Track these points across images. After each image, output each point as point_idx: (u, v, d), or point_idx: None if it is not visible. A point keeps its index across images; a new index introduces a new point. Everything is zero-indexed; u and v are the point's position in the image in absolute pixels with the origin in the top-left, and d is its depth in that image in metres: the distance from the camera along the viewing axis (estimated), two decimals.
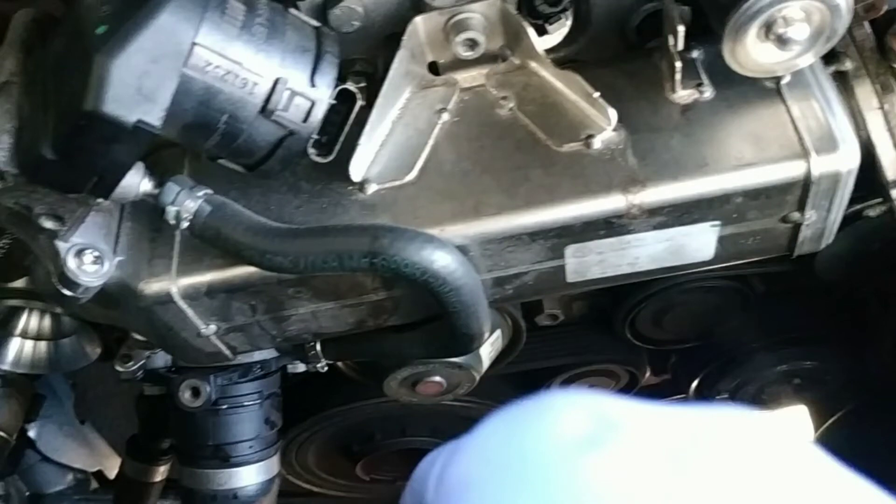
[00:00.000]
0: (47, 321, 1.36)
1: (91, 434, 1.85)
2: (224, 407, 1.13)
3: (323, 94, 0.79)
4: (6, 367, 1.34)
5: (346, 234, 0.79)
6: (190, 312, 0.88)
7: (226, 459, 1.14)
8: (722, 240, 0.86)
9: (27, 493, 1.76)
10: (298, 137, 0.80)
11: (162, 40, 0.71)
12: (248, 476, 1.16)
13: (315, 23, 0.83)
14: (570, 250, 0.85)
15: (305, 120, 0.79)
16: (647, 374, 1.47)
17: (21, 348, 1.36)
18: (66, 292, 0.83)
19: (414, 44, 0.91)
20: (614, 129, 0.84)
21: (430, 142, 0.89)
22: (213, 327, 0.91)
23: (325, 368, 1.08)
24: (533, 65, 0.92)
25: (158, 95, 0.71)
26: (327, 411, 1.47)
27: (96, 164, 0.74)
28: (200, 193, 0.82)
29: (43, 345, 1.36)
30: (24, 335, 1.36)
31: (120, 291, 0.87)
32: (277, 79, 0.76)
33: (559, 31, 0.95)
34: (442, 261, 0.79)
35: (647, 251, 0.86)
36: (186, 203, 0.81)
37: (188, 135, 0.77)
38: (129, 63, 0.69)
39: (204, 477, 1.15)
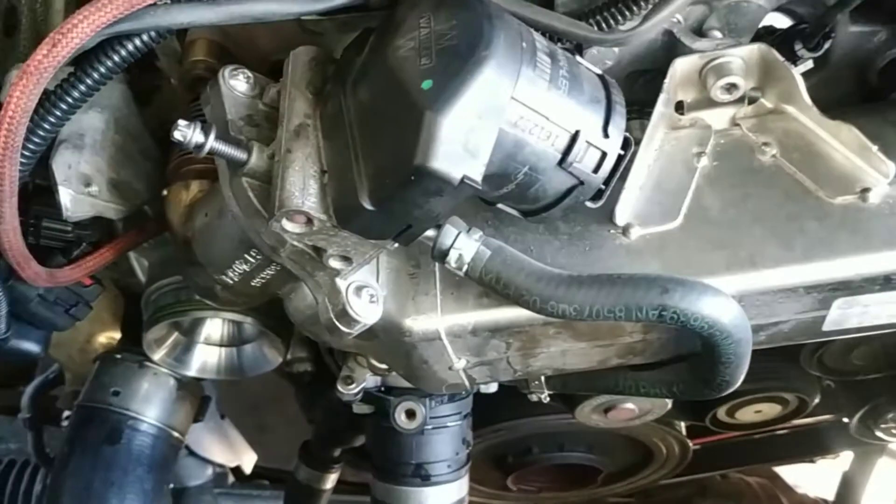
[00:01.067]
0: (229, 328, 1.39)
1: (231, 430, 1.90)
2: (430, 427, 1.15)
3: (614, 145, 0.79)
4: (191, 373, 1.38)
5: (634, 286, 0.80)
6: (449, 348, 0.89)
7: (426, 478, 1.16)
8: None
9: (171, 486, 1.81)
10: (587, 187, 0.80)
11: (486, 96, 0.71)
12: (444, 495, 1.18)
13: (598, 70, 0.83)
14: (839, 303, 0.85)
15: (596, 170, 0.79)
16: (816, 400, 1.47)
17: (206, 355, 1.39)
18: (344, 329, 0.85)
19: (670, 86, 0.91)
20: (890, 183, 0.84)
21: (692, 186, 0.89)
22: (463, 362, 0.92)
23: (547, 399, 1.10)
24: (790, 109, 0.91)
25: (481, 151, 0.72)
26: (494, 425, 1.49)
27: (412, 215, 0.75)
28: (477, 236, 0.83)
29: (226, 351, 1.40)
30: (208, 342, 1.39)
31: (384, 327, 0.88)
32: (577, 131, 0.77)
33: (800, 70, 0.95)
34: (729, 315, 0.80)
35: None
36: (466, 246, 0.82)
37: (484, 184, 0.78)
38: (458, 120, 0.70)
39: (403, 494, 1.18)
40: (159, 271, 1.28)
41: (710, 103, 0.94)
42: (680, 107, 0.95)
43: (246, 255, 0.89)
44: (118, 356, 1.42)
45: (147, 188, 1.08)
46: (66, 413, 1.62)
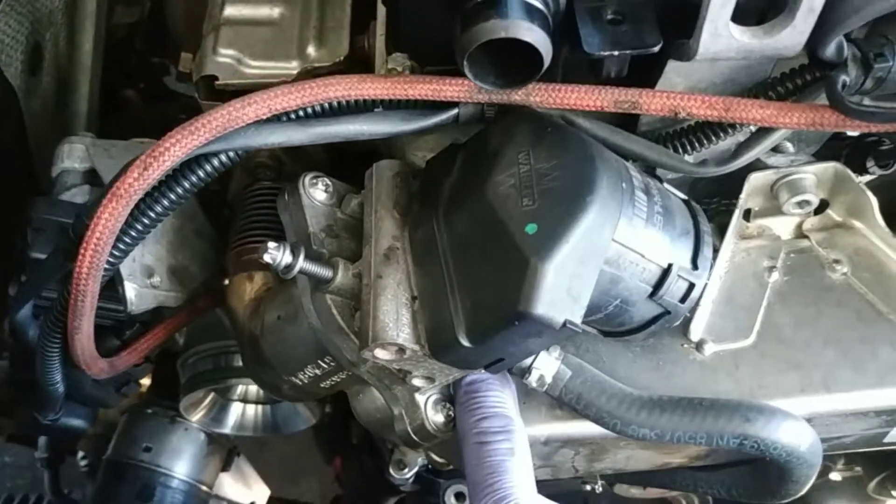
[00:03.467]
0: None
1: (245, 466, 1.89)
2: None
3: (702, 276, 0.80)
4: (227, 431, 1.38)
5: (717, 414, 0.81)
6: None
7: None
8: None
9: None
10: (674, 316, 0.81)
11: (589, 241, 0.72)
12: None
13: (683, 196, 0.84)
14: None
15: (683, 300, 0.80)
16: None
17: (242, 413, 1.39)
18: (420, 441, 0.86)
19: (744, 200, 0.92)
20: None
21: (764, 302, 0.91)
22: None
23: (600, 489, 1.11)
24: (859, 225, 0.93)
25: (583, 295, 0.72)
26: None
27: (508, 351, 0.75)
28: (556, 354, 0.84)
29: (261, 408, 1.39)
30: (245, 400, 1.39)
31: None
32: (670, 265, 0.78)
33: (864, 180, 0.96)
34: (807, 443, 0.81)
35: None
36: (546, 366, 0.83)
37: None
38: (563, 267, 0.70)
39: None
40: (198, 336, 1.27)
41: (778, 212, 0.95)
42: (747, 214, 0.96)
43: (319, 362, 0.89)
44: (149, 411, 1.41)
45: (202, 269, 1.07)
46: (81, 453, 1.61)
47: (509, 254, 0.72)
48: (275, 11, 1.13)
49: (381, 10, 0.98)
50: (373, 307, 0.77)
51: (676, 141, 0.85)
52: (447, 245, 0.77)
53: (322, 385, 0.92)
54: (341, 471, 1.76)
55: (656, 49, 0.74)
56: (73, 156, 1.08)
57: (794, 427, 0.81)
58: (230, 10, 1.12)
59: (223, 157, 0.81)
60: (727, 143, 0.85)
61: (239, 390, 1.37)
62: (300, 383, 0.93)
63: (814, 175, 0.91)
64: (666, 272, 0.78)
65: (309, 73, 1.09)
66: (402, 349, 0.77)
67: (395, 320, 0.77)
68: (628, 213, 0.75)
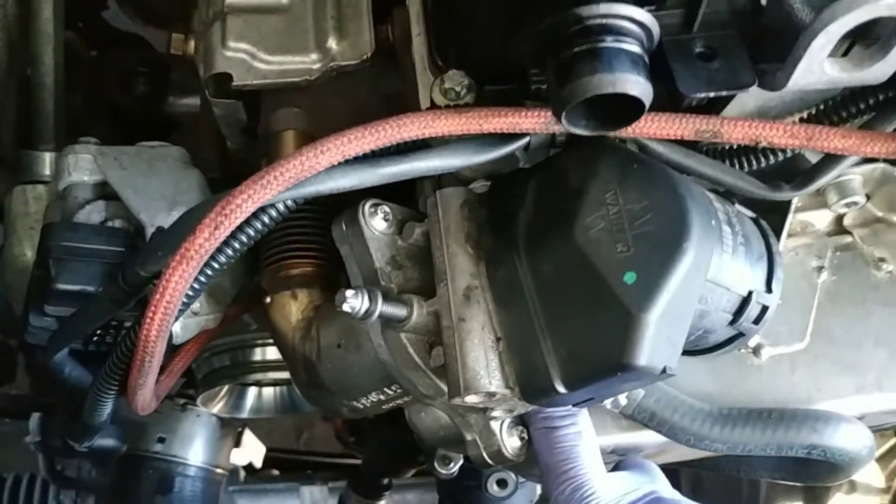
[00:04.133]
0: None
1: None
2: None
3: (775, 298, 0.81)
4: (246, 415, 1.36)
5: (786, 426, 0.84)
6: None
7: None
8: None
9: None
10: (746, 337, 0.83)
11: (687, 286, 0.71)
12: None
13: (751, 213, 0.84)
14: None
15: (756, 322, 0.81)
16: None
17: (259, 396, 1.37)
18: (494, 464, 0.86)
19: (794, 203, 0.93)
20: None
21: (815, 303, 0.93)
22: None
23: None
24: None
25: (680, 339, 0.72)
26: None
27: (602, 395, 0.75)
28: None
29: (278, 390, 1.38)
30: (259, 383, 1.37)
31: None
32: (750, 292, 0.78)
33: None
34: (867, 447, 0.86)
35: None
36: None
37: None
38: (664, 316, 0.70)
39: None
40: None
41: (820, 206, 0.96)
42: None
43: (385, 389, 0.88)
44: None
45: (233, 283, 1.02)
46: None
47: (608, 302, 0.71)
48: None
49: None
50: (460, 353, 0.76)
51: (736, 158, 0.84)
52: (534, 287, 0.76)
53: (384, 407, 0.92)
54: (341, 429, 1.78)
55: (752, 88, 0.72)
56: (81, 168, 1.01)
57: (857, 433, 0.85)
58: None
59: (290, 202, 0.76)
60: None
61: (255, 375, 1.35)
62: (361, 407, 0.92)
63: (861, 175, 0.92)
64: (746, 300, 0.78)
65: (332, 72, 1.03)
66: (492, 394, 0.77)
67: (486, 367, 0.76)
68: (718, 251, 0.74)
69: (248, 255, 1.03)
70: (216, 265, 0.77)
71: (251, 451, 1.93)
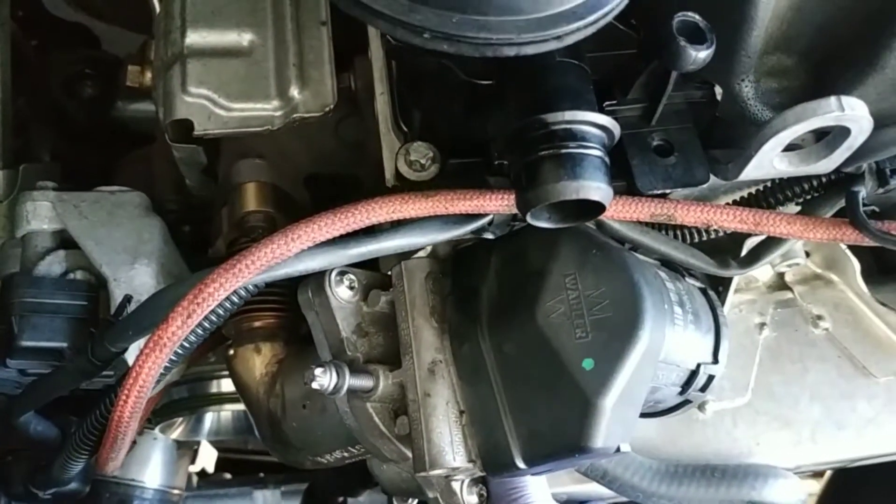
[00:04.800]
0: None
1: None
2: None
3: (721, 368, 0.86)
4: (202, 437, 1.37)
5: (728, 483, 0.89)
6: None
7: None
8: None
9: None
10: (694, 403, 0.87)
11: (641, 369, 0.75)
12: None
13: (700, 284, 0.88)
14: None
15: (703, 390, 0.86)
16: None
17: (218, 419, 1.38)
18: None
19: None
20: None
21: (756, 360, 0.98)
22: None
23: None
24: (838, 280, 1.01)
25: (633, 419, 0.77)
26: None
27: (559, 468, 0.79)
28: None
29: (237, 413, 1.39)
30: (220, 403, 1.37)
31: None
32: (698, 365, 0.83)
33: None
34: (799, 500, 0.92)
35: None
36: None
37: None
38: (620, 401, 0.74)
39: None
40: None
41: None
42: None
43: (350, 448, 0.91)
44: None
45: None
46: None
47: (567, 387, 0.74)
48: (244, 38, 1.04)
49: (376, 48, 0.93)
50: (425, 429, 0.79)
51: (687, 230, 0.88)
52: (496, 365, 0.79)
53: (347, 461, 0.95)
54: None
55: (706, 185, 0.75)
56: (40, 215, 1.00)
57: (791, 486, 0.91)
58: (193, 37, 1.02)
59: (260, 284, 0.78)
60: None
61: (213, 408, 1.36)
62: (325, 462, 0.94)
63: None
64: (694, 372, 0.83)
65: (294, 122, 1.03)
66: (456, 468, 0.80)
67: (450, 442, 0.79)
68: (670, 332, 0.78)
69: None
70: (187, 345, 0.78)
71: (204, 457, 1.94)
